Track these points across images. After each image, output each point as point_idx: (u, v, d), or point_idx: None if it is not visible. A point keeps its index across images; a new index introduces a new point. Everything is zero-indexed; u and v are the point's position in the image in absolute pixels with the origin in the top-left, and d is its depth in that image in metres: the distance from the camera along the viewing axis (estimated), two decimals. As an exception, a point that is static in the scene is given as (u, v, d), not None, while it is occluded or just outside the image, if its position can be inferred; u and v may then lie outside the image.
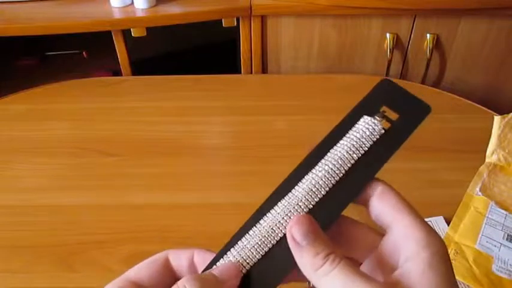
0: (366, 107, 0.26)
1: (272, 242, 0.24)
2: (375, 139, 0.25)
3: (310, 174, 0.25)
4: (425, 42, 0.92)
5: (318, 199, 0.24)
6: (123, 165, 0.64)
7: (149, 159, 0.65)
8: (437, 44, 0.91)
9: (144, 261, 0.25)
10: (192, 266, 0.25)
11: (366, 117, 0.25)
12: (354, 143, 0.25)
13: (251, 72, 0.98)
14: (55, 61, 1.15)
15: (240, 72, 0.98)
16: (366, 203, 0.24)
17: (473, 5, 0.85)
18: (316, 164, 0.25)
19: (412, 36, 0.91)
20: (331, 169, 0.24)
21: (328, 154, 0.25)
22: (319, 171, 0.24)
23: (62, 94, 0.82)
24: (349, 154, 0.24)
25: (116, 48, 0.91)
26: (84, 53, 1.15)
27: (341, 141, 0.25)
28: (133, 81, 0.90)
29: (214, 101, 0.79)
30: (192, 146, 0.68)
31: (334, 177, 0.24)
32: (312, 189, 0.24)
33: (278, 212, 0.24)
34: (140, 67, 0.97)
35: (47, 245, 0.52)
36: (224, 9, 0.89)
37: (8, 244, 0.53)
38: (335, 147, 0.25)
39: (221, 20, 0.91)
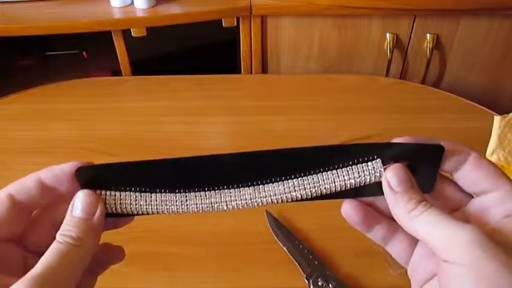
0: (392, 151, 0.25)
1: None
2: (372, 182, 0.25)
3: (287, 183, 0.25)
4: (425, 42, 0.92)
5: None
6: (123, 165, 0.64)
7: (149, 159, 0.65)
8: (437, 44, 0.91)
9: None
10: (46, 191, 0.25)
11: (379, 162, 0.24)
12: (352, 181, 0.25)
13: (251, 72, 0.98)
14: (55, 61, 1.15)
15: (240, 72, 0.98)
16: (455, 169, 0.24)
17: (473, 5, 0.85)
18: (302, 174, 0.25)
19: (412, 36, 0.91)
20: (309, 194, 0.25)
21: (319, 177, 0.25)
22: (298, 190, 0.25)
23: (62, 94, 0.82)
24: (339, 187, 0.25)
25: (116, 48, 0.91)
26: (84, 53, 1.15)
27: (341, 172, 0.25)
28: (133, 81, 0.90)
29: (214, 101, 0.79)
30: (192, 146, 0.68)
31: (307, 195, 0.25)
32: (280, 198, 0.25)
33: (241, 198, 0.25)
34: (140, 67, 0.97)
35: (47, 245, 0.52)
36: (224, 9, 0.89)
37: (8, 244, 0.52)
38: (332, 173, 0.25)
39: (221, 20, 0.91)
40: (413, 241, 0.25)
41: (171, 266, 0.48)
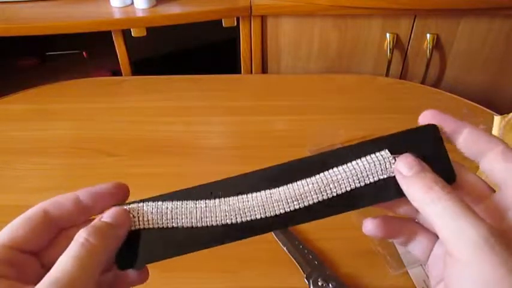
0: (396, 141, 0.25)
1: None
2: (384, 176, 0.24)
3: (298, 184, 0.26)
4: (425, 42, 0.92)
5: (292, 208, 0.27)
6: (123, 165, 0.64)
7: (149, 159, 0.65)
8: (437, 44, 0.91)
9: (17, 220, 0.24)
10: (82, 209, 0.25)
11: (387, 152, 0.25)
12: (360, 173, 0.25)
13: (251, 72, 0.98)
14: (55, 61, 1.15)
15: (240, 72, 0.98)
16: (456, 135, 0.25)
17: (473, 5, 0.85)
18: (314, 174, 0.25)
19: (412, 36, 0.91)
20: (321, 188, 0.25)
21: (329, 172, 0.25)
22: (307, 185, 0.25)
23: (62, 94, 0.82)
24: (348, 182, 0.25)
25: (116, 48, 0.91)
26: (84, 53, 1.15)
27: (351, 164, 0.25)
28: (133, 81, 0.90)
29: (214, 101, 0.79)
30: (192, 146, 0.68)
31: (322, 196, 0.26)
32: (292, 199, 0.26)
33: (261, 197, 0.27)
34: (140, 67, 0.97)
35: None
36: (224, 9, 0.89)
37: (8, 244, 0.52)
38: (342, 167, 0.25)
39: (221, 20, 0.91)
40: (433, 239, 0.25)
41: (169, 266, 0.48)
